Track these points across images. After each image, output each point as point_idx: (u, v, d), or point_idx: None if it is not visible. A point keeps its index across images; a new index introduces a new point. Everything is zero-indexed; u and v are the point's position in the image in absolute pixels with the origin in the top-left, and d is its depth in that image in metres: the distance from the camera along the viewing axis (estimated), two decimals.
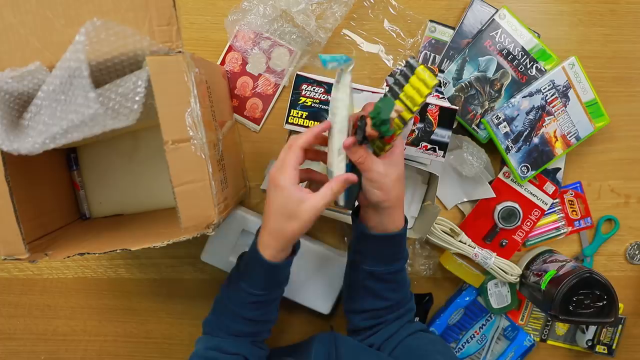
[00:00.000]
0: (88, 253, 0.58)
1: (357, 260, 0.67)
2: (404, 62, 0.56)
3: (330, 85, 0.77)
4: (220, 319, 0.68)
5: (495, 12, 0.79)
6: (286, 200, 0.57)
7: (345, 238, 0.88)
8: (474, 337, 0.90)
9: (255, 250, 0.62)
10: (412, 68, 0.56)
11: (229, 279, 0.70)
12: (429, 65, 0.83)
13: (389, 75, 0.57)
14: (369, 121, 0.57)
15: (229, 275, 0.71)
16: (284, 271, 0.66)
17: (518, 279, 0.85)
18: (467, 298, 0.88)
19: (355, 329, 0.70)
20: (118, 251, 0.58)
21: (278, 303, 0.70)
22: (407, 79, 0.57)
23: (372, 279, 0.66)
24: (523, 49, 0.78)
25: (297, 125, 0.75)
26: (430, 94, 0.56)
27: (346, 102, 0.58)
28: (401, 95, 0.57)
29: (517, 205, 0.85)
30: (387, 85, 0.57)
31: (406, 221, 0.66)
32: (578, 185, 0.87)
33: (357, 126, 0.58)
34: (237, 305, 0.66)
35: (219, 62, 0.83)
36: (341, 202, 0.63)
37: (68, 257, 0.59)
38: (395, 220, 0.64)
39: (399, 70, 0.58)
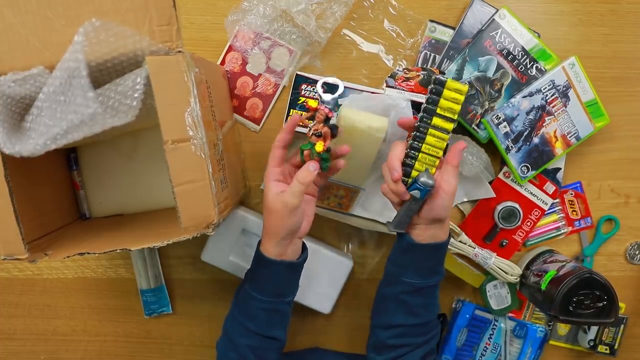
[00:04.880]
0: (88, 253, 0.58)
1: (397, 272, 0.69)
2: (433, 79, 0.63)
3: (329, 85, 0.76)
4: (229, 337, 0.68)
5: (495, 12, 0.79)
6: (265, 195, 0.64)
7: (342, 240, 0.88)
8: (487, 348, 0.90)
9: (257, 247, 0.66)
10: (442, 83, 0.62)
11: (237, 292, 0.71)
12: (429, 65, 0.83)
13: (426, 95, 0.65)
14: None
15: (237, 289, 0.71)
16: (279, 270, 0.65)
17: (518, 279, 0.85)
18: (467, 315, 0.88)
19: (380, 345, 0.70)
20: (118, 251, 0.58)
21: (286, 320, 0.69)
22: (440, 94, 0.62)
23: (409, 291, 0.67)
24: (523, 48, 0.78)
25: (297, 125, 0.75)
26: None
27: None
28: (438, 110, 0.63)
29: (517, 205, 0.85)
30: (421, 110, 0.64)
31: (450, 234, 0.69)
32: (578, 185, 0.87)
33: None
34: (244, 315, 0.67)
35: (219, 62, 0.83)
36: (391, 227, 0.67)
37: (68, 257, 0.59)
38: (445, 230, 0.67)
39: (430, 89, 0.63)
